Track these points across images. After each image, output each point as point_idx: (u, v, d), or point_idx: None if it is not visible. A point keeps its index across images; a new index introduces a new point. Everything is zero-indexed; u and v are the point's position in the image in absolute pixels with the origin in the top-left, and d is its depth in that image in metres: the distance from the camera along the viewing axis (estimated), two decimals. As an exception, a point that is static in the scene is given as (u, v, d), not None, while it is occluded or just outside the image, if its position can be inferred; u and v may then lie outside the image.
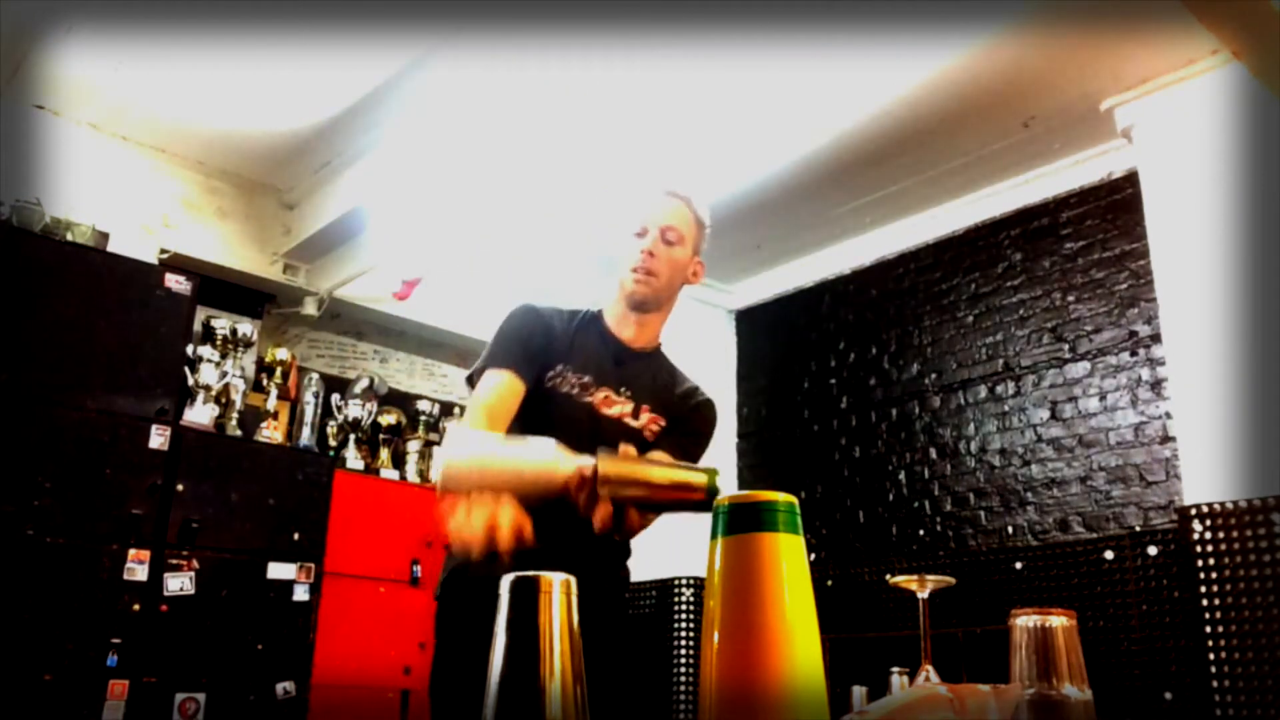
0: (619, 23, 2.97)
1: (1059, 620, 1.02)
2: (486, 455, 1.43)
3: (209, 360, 3.71)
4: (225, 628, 3.31)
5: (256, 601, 3.41)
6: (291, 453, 3.89)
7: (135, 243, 3.82)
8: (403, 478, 4.43)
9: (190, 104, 3.73)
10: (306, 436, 4.23)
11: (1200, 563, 2.80)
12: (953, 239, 4.18)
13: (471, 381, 1.72)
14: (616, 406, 1.74)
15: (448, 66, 3.30)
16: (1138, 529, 3.33)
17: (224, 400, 3.75)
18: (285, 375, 4.24)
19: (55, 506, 3.04)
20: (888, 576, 1.78)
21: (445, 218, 4.00)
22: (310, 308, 4.44)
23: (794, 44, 3.10)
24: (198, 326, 3.83)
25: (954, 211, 4.15)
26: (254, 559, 3.45)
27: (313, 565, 3.57)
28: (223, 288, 4.19)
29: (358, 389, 4.45)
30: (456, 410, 4.86)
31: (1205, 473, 2.90)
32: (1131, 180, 3.49)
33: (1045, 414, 3.71)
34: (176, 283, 3.47)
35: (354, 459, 4.26)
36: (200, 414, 3.58)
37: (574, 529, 1.36)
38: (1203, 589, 2.78)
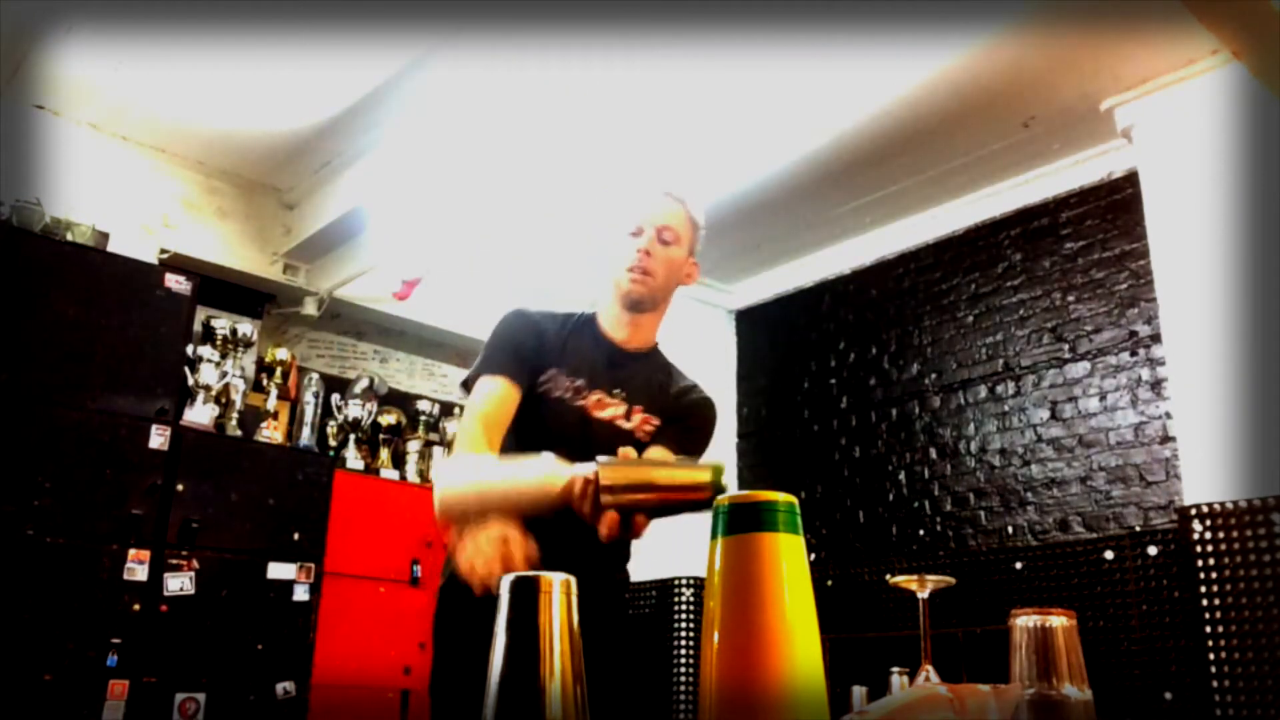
0: (619, 23, 2.97)
1: (1059, 620, 1.02)
2: (482, 480, 1.43)
3: (209, 360, 3.71)
4: (225, 628, 3.31)
5: (256, 601, 3.41)
6: (291, 453, 3.89)
7: (135, 243, 3.81)
8: (403, 478, 4.44)
9: (190, 104, 3.73)
10: (306, 436, 4.23)
11: (1200, 563, 2.80)
12: (953, 239, 4.18)
13: (467, 387, 1.72)
14: (609, 409, 1.73)
15: (448, 66, 3.30)
16: (1138, 529, 3.33)
17: (224, 400, 3.75)
18: (285, 375, 4.24)
19: (55, 506, 3.04)
20: (888, 576, 1.78)
21: (445, 218, 4.00)
22: (310, 308, 4.44)
23: (794, 44, 3.10)
24: (198, 326, 3.83)
25: (954, 211, 4.15)
26: (254, 559, 3.45)
27: (313, 565, 3.57)
28: (223, 288, 4.19)
29: (358, 389, 4.46)
30: (456, 410, 4.86)
31: (1205, 473, 2.90)
32: (1131, 180, 3.49)
33: (1045, 414, 3.71)
34: (176, 283, 3.47)
35: (354, 459, 4.26)
36: (200, 414, 3.58)
37: (573, 532, 1.36)
38: (1203, 589, 2.78)
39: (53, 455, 3.07)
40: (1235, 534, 2.75)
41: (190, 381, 3.60)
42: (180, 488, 3.31)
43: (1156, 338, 3.38)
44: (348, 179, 3.98)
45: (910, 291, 4.30)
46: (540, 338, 1.75)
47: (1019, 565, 3.58)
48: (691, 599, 4.35)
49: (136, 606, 3.13)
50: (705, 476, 1.29)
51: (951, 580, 1.66)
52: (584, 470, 1.33)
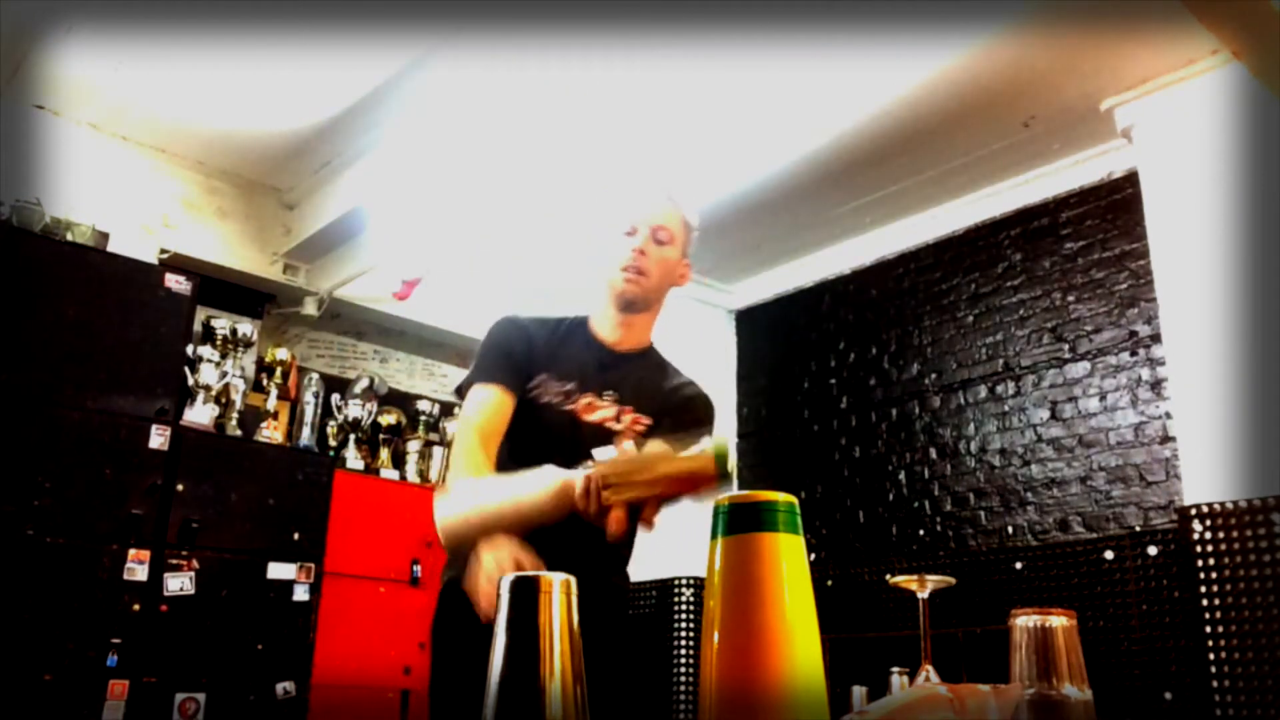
0: (619, 23, 2.97)
1: (1059, 620, 1.02)
2: (484, 505, 1.43)
3: (209, 360, 3.71)
4: (225, 628, 3.31)
5: (256, 601, 3.41)
6: (291, 453, 3.89)
7: (135, 243, 3.82)
8: (403, 478, 4.44)
9: (190, 104, 3.73)
10: (306, 436, 4.23)
11: (1200, 563, 2.80)
12: (953, 239, 4.18)
13: (461, 393, 1.72)
14: (599, 412, 1.72)
15: (448, 66, 3.30)
16: (1138, 529, 3.33)
17: (224, 400, 3.75)
18: (285, 375, 4.24)
19: (55, 506, 3.04)
20: (888, 576, 1.78)
21: (445, 218, 4.00)
22: (310, 308, 4.44)
23: (794, 44, 3.10)
24: (198, 326, 3.83)
25: (954, 211, 4.15)
26: (254, 559, 3.45)
27: (313, 565, 3.57)
28: (223, 288, 4.19)
29: (358, 389, 4.46)
30: (456, 410, 4.85)
31: (1205, 473, 2.90)
32: (1131, 180, 3.49)
33: (1045, 414, 3.71)
34: (176, 283, 3.47)
35: (354, 459, 4.27)
36: (200, 414, 3.58)
37: (572, 536, 1.36)
38: (1203, 589, 2.78)
39: (53, 455, 3.07)
40: (1235, 534, 2.75)
41: (190, 381, 3.60)
42: (180, 488, 3.31)
43: (1156, 338, 3.38)
44: (348, 179, 3.98)
45: (910, 291, 4.30)
46: (530, 343, 1.75)
47: (1019, 565, 3.58)
48: (691, 599, 4.35)
49: (136, 606, 3.13)
50: (709, 457, 1.27)
51: (951, 580, 1.66)
52: (584, 471, 1.33)
